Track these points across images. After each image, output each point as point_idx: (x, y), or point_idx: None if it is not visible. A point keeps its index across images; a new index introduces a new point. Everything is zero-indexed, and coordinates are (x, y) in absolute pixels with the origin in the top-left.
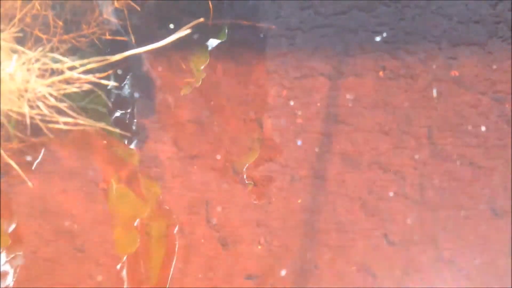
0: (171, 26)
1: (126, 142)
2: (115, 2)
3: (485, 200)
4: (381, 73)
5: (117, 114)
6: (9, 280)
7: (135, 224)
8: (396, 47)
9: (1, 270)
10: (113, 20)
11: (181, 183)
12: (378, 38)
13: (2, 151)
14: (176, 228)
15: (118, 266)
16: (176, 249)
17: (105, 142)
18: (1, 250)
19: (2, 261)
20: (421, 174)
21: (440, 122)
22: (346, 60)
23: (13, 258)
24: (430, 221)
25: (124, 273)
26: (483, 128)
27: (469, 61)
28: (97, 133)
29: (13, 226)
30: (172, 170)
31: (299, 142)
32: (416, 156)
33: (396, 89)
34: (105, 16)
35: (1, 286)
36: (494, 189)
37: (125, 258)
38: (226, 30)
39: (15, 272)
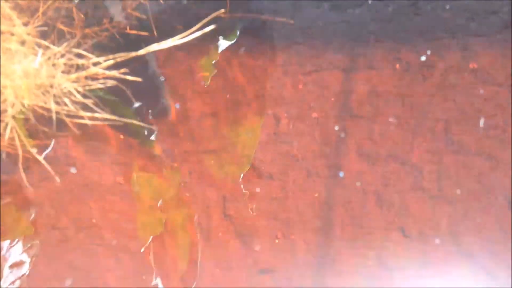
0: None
1: (146, 133)
2: None
3: (502, 192)
4: (397, 66)
5: (137, 106)
6: (25, 269)
7: (159, 205)
8: (412, 38)
9: (18, 259)
10: (123, 20)
11: (198, 178)
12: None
13: (29, 147)
14: (196, 217)
15: (143, 249)
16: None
17: (122, 136)
18: (19, 240)
19: (19, 251)
20: (438, 167)
21: (457, 114)
22: (362, 52)
23: (29, 247)
24: (447, 213)
25: (151, 257)
26: (500, 121)
27: (485, 53)
28: (116, 126)
29: (32, 216)
30: (189, 164)
31: (315, 137)
32: (433, 149)
33: (412, 82)
34: (114, 17)
35: (19, 274)
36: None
37: (150, 240)
38: (238, 32)
39: (31, 261)
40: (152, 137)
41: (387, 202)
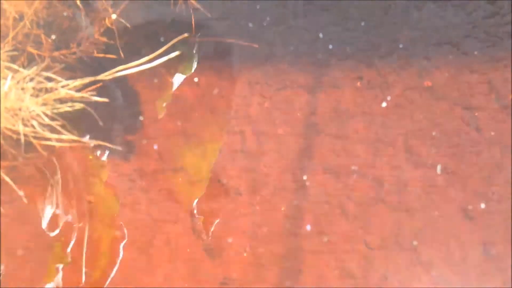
0: (161, 39)
1: (98, 154)
2: (107, 20)
3: (458, 203)
4: (358, 84)
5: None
6: None
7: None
8: (372, 58)
9: None
10: (90, 44)
11: (166, 194)
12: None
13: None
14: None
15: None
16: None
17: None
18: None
19: None
20: (398, 180)
21: (415, 129)
22: (324, 72)
23: None
24: (408, 224)
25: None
26: (455, 137)
27: (439, 72)
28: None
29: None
30: (158, 182)
31: (281, 152)
32: (393, 163)
33: (373, 99)
34: (82, 42)
35: None
36: (467, 194)
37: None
38: (195, 63)
39: None
40: (104, 158)
41: (351, 214)
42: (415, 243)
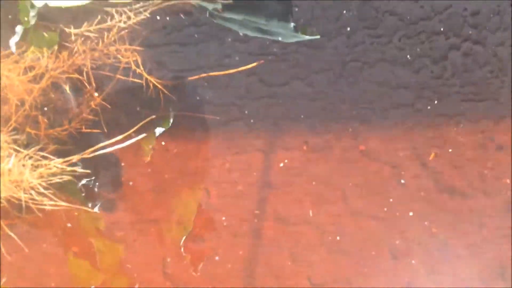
0: (138, 114)
1: (90, 206)
2: (92, 103)
3: (386, 244)
4: (304, 147)
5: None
6: None
7: None
8: (315, 124)
9: None
10: (80, 121)
11: (141, 244)
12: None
13: (2, 224)
14: (137, 286)
15: None
16: None
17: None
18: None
19: None
20: (337, 227)
21: (352, 185)
22: (277, 135)
23: None
24: (345, 264)
25: None
26: (386, 191)
27: (372, 137)
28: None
29: (3, 280)
30: (133, 233)
31: (239, 205)
32: (334, 213)
33: (317, 160)
34: (72, 120)
35: None
36: (392, 236)
37: None
38: (171, 120)
39: None
40: (96, 209)
41: (298, 256)
42: (351, 280)
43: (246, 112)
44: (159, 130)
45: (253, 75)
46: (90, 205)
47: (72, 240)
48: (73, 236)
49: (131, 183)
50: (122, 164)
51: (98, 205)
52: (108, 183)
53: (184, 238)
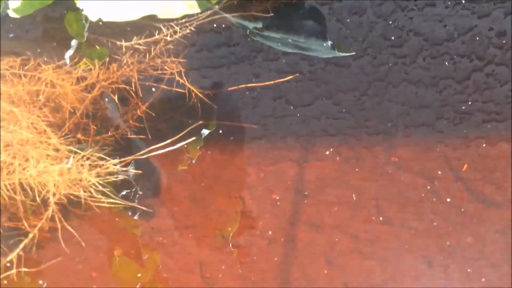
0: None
1: (130, 214)
2: (138, 110)
3: (421, 253)
4: (337, 158)
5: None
6: None
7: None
8: (348, 137)
9: None
10: (126, 128)
11: (179, 248)
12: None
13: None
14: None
15: None
16: None
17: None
18: None
19: None
20: (371, 235)
21: (385, 195)
22: (310, 147)
23: None
24: (380, 271)
25: None
26: (417, 198)
27: (405, 148)
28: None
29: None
30: (172, 238)
31: (274, 213)
32: (367, 221)
33: (349, 170)
34: (119, 126)
35: None
36: (427, 244)
37: None
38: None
39: None
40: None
41: (333, 262)
42: (387, 283)
43: (278, 125)
44: (204, 132)
45: (283, 93)
46: (130, 213)
47: (117, 239)
48: (117, 235)
49: (169, 190)
50: (161, 172)
51: (138, 213)
52: (148, 189)
53: (221, 243)
